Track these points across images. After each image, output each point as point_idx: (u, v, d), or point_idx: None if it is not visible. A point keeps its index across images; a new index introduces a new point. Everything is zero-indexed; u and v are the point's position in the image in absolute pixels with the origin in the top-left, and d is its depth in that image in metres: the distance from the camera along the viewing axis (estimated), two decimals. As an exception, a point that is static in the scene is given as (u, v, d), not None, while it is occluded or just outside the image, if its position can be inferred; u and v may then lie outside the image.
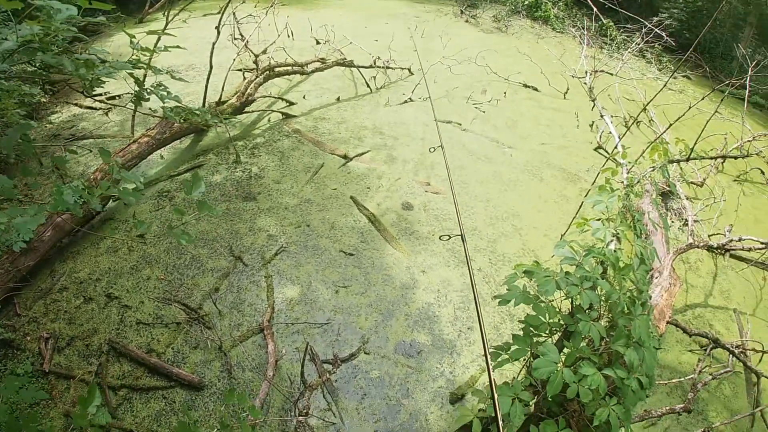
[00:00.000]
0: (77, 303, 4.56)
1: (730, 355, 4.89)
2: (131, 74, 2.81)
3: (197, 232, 5.47)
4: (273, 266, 5.19)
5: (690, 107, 4.81)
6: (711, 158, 5.00)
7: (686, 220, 6.65)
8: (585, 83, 9.27)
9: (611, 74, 11.96)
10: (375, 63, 9.94)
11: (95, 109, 7.67)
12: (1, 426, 2.03)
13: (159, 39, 3.96)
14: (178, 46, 3.00)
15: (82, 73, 2.18)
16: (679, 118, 4.84)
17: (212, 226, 5.57)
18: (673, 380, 4.67)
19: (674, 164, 5.31)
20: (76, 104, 7.78)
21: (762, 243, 6.19)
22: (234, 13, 10.38)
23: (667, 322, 4.63)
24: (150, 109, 5.47)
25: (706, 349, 4.99)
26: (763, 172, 9.18)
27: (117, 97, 7.92)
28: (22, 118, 4.79)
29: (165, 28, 5.49)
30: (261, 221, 5.74)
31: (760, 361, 5.10)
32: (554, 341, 2.96)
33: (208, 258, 5.18)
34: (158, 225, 5.50)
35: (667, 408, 3.94)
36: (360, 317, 4.77)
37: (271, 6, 10.41)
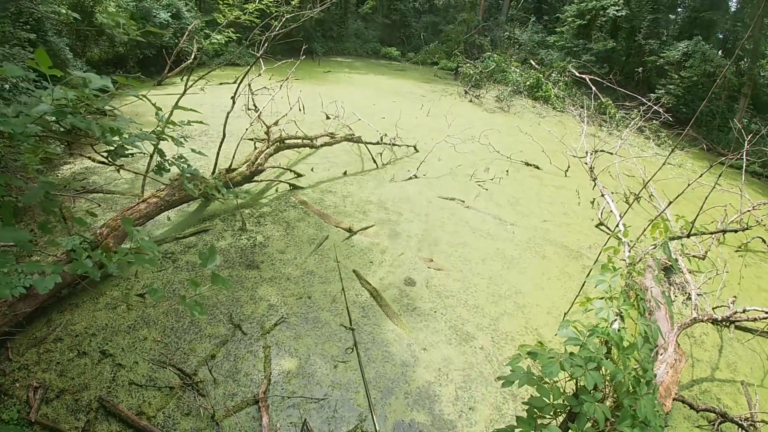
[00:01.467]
0: (71, 356, 4.48)
1: (740, 429, 4.73)
2: (154, 145, 2.91)
3: (198, 297, 5.43)
4: (272, 336, 5.11)
5: (689, 184, 4.92)
6: (711, 233, 5.05)
7: (689, 294, 6.60)
8: (586, 163, 9.49)
9: (611, 153, 12.26)
10: (382, 140, 10.24)
11: (107, 164, 7.85)
12: None
13: (173, 110, 4.13)
14: (201, 122, 3.12)
15: (108, 139, 2.27)
16: (678, 195, 4.93)
17: (213, 293, 5.54)
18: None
19: (675, 240, 5.33)
20: (89, 157, 7.96)
21: (766, 312, 6.11)
22: (249, 85, 10.82)
23: (674, 399, 4.51)
24: (167, 177, 5.62)
25: (714, 424, 4.83)
26: (764, 241, 9.19)
27: (130, 156, 8.10)
28: (37, 172, 4.89)
29: (183, 94, 5.73)
30: (262, 290, 5.72)
31: (770, 431, 4.93)
32: (558, 423, 2.87)
33: (207, 324, 5.12)
34: (159, 286, 5.47)
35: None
36: (358, 394, 4.63)
37: (286, 80, 10.87)
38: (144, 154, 7.67)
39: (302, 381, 4.65)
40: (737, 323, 6.56)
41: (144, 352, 4.67)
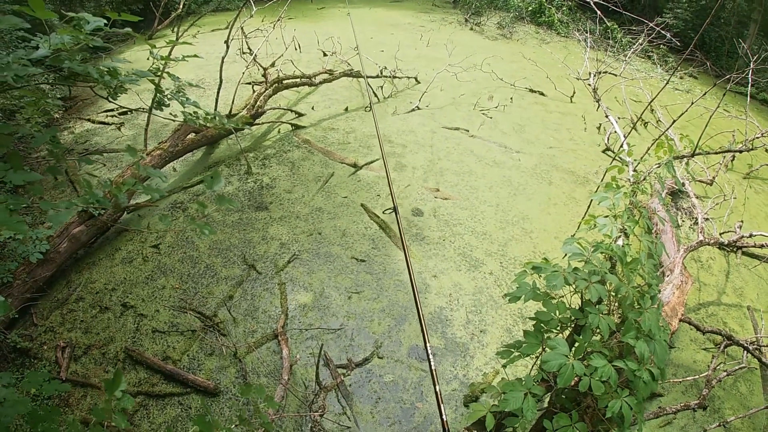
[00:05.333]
0: (93, 312, 4.65)
1: (745, 352, 4.86)
2: (152, 81, 2.91)
3: (211, 242, 5.55)
4: (286, 274, 5.25)
5: (692, 103, 4.85)
6: (716, 153, 5.02)
7: (696, 218, 6.62)
8: (589, 84, 9.30)
9: (615, 75, 11.98)
10: (382, 73, 10.04)
11: (108, 124, 7.82)
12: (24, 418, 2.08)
13: (172, 48, 4.08)
14: (195, 56, 3.09)
15: (107, 81, 2.29)
16: (681, 114, 4.87)
17: (225, 236, 5.65)
18: (688, 378, 4.66)
19: (682, 162, 5.28)
20: (88, 120, 7.93)
21: (773, 238, 6.14)
22: (242, 28, 10.54)
23: (680, 320, 4.61)
24: (171, 114, 5.61)
25: (720, 347, 4.96)
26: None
27: (130, 111, 8.07)
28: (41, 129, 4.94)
29: (177, 39, 5.63)
30: (273, 230, 5.82)
31: (775, 357, 5.06)
32: (565, 337, 2.98)
33: (222, 267, 5.25)
34: (172, 236, 5.59)
35: (682, 404, 3.93)
36: (373, 322, 4.81)
37: (278, 20, 10.57)
38: (143, 110, 7.64)
39: (318, 313, 4.83)
40: (744, 249, 6.59)
41: (164, 300, 4.83)
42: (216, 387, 4.05)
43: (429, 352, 2.60)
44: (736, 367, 4.72)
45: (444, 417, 2.39)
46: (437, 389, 2.47)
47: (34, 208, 5.62)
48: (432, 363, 2.57)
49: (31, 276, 4.50)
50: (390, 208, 3.72)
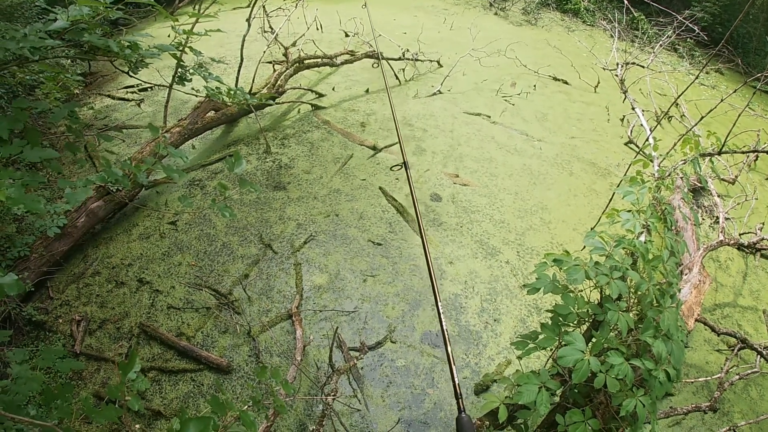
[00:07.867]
0: (109, 287, 4.70)
1: (758, 356, 4.78)
2: (173, 55, 2.89)
3: (228, 221, 5.57)
4: (302, 254, 5.27)
5: (722, 100, 4.70)
6: (743, 152, 4.88)
7: (717, 217, 6.50)
8: (616, 75, 9.11)
9: (642, 66, 11.71)
10: (404, 55, 9.92)
11: (128, 100, 7.84)
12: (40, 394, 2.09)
13: (195, 22, 4.05)
14: (218, 30, 3.06)
15: (128, 54, 2.27)
16: (710, 111, 4.74)
17: (242, 215, 5.67)
18: (700, 379, 4.61)
19: (705, 159, 5.14)
20: (109, 95, 7.96)
21: (794, 242, 5.99)
22: (264, 6, 10.47)
23: (696, 320, 4.56)
24: (194, 88, 5.58)
25: (733, 349, 4.89)
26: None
27: (151, 88, 8.07)
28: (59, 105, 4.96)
29: (200, 13, 5.59)
30: (290, 210, 5.82)
31: (789, 364, 4.98)
32: (582, 332, 2.95)
33: (239, 245, 5.28)
34: (189, 213, 5.62)
35: (693, 405, 3.88)
36: (387, 306, 4.82)
37: (301, -1, 10.48)
38: (164, 86, 7.62)
39: (333, 295, 4.84)
40: (763, 251, 6.47)
41: (180, 277, 4.87)
42: (229, 364, 4.10)
43: (446, 334, 2.58)
44: (749, 371, 4.63)
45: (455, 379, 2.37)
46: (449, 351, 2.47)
47: (53, 182, 5.67)
48: (446, 328, 2.56)
49: (48, 250, 4.54)
50: (398, 164, 3.72)
